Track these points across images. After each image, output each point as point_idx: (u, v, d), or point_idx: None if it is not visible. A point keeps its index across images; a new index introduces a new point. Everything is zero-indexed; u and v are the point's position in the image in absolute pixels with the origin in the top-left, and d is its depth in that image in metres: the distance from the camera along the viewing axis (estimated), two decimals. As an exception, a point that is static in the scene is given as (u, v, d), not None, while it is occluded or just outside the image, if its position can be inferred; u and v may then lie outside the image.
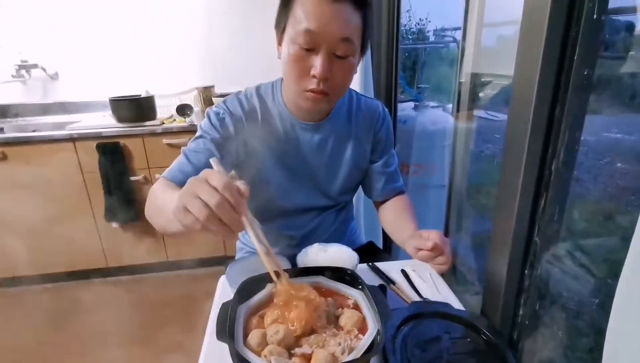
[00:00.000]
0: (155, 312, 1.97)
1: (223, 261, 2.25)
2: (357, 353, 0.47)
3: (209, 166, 0.83)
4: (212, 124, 0.87)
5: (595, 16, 0.54)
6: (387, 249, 1.72)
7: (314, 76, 0.77)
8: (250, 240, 0.53)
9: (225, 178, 0.49)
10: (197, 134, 0.88)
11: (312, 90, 0.78)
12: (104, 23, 2.25)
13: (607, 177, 1.13)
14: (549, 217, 0.68)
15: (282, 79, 0.92)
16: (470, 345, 0.63)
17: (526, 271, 0.74)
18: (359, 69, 1.42)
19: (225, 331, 0.50)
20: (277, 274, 0.56)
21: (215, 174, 0.50)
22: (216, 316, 0.72)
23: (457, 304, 0.76)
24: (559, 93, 0.61)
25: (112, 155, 1.94)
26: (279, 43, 0.83)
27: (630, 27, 0.86)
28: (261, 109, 0.90)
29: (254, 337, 0.51)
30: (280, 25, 0.81)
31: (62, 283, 2.21)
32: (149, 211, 0.77)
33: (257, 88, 0.94)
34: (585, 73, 0.58)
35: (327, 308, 0.55)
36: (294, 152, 0.93)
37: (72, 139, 1.90)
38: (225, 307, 0.55)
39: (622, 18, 0.82)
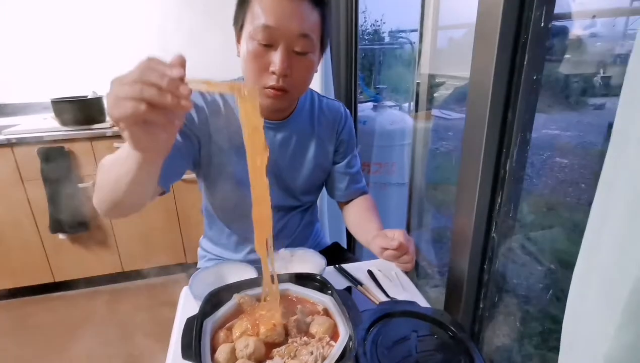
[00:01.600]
0: (111, 327, 1.85)
1: (184, 268, 2.17)
2: (329, 362, 0.47)
3: None
4: None
5: (542, 24, 0.57)
6: (351, 249, 1.74)
7: (273, 73, 0.76)
8: (200, 87, 0.47)
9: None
10: None
11: (271, 87, 0.78)
12: (44, 17, 2.07)
13: (547, 171, 1.22)
14: (505, 213, 0.72)
15: (243, 78, 0.90)
16: (437, 342, 0.65)
17: (485, 266, 0.77)
18: (319, 70, 1.42)
19: (192, 348, 0.48)
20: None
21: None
22: (179, 331, 0.69)
23: (422, 301, 0.78)
24: (510, 97, 0.64)
25: (56, 161, 1.79)
26: (238, 40, 0.82)
27: (566, 31, 0.94)
28: (223, 104, 0.89)
29: (222, 352, 0.49)
30: (238, 22, 0.80)
31: (5, 301, 2.03)
32: (99, 185, 0.65)
33: None
34: (535, 78, 0.61)
35: (298, 316, 0.54)
36: None
37: (9, 144, 1.74)
38: (190, 322, 0.53)
39: (560, 23, 0.88)
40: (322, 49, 0.85)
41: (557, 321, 0.86)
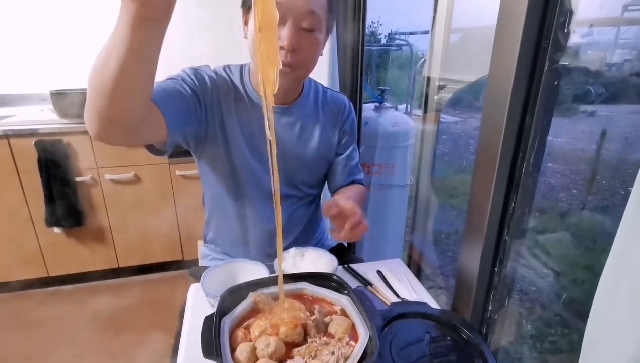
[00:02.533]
0: (107, 322, 1.83)
1: (181, 265, 2.15)
2: (352, 362, 0.46)
3: (178, 89, 0.77)
4: (186, 73, 0.84)
5: (566, 30, 0.58)
6: (353, 250, 1.74)
7: (281, 48, 0.77)
8: None
9: None
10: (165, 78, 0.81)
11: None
12: (43, 7, 2.03)
13: (539, 176, 1.23)
14: (519, 216, 0.72)
15: (250, 63, 0.92)
16: (451, 344, 0.65)
17: (496, 268, 0.78)
18: (325, 68, 1.42)
19: (213, 347, 0.47)
20: None
21: None
22: (191, 328, 0.68)
23: (432, 302, 0.78)
24: (529, 101, 0.64)
25: (54, 154, 1.76)
26: (245, 22, 0.84)
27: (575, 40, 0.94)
28: (231, 82, 0.90)
29: (242, 351, 0.49)
30: (247, 3, 0.81)
31: (-3, 295, 1.99)
32: (89, 78, 0.55)
33: (227, 66, 0.93)
34: (556, 83, 0.62)
35: (316, 316, 0.54)
36: (260, 131, 0.91)
37: (6, 136, 1.70)
38: (209, 320, 0.52)
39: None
40: (327, 31, 0.86)
41: (567, 324, 0.87)
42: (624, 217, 0.39)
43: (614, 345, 0.41)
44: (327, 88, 1.04)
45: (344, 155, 1.04)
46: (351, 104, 1.06)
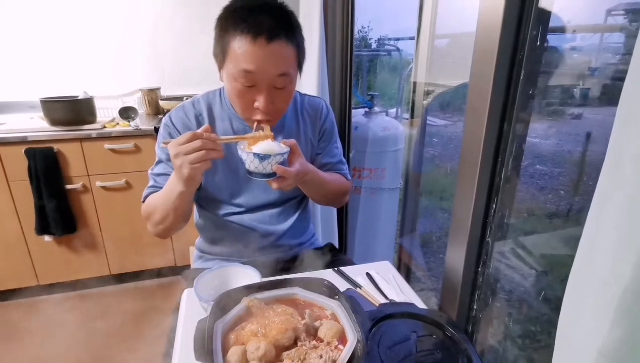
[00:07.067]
0: (99, 330, 1.82)
1: (174, 271, 2.15)
2: (340, 363, 0.49)
3: None
4: (163, 142, 0.93)
5: (538, 42, 0.61)
6: (344, 250, 1.76)
7: (257, 108, 0.83)
8: (230, 140, 0.81)
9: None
10: (156, 159, 0.96)
11: (258, 120, 0.85)
12: (34, 15, 2.03)
13: (528, 178, 1.27)
14: (500, 219, 0.75)
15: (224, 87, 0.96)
16: (436, 342, 0.68)
17: (480, 269, 0.81)
18: (314, 75, 1.45)
19: (205, 350, 0.49)
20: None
21: (174, 145, 0.74)
22: (184, 332, 0.70)
23: (419, 303, 0.81)
24: (507, 109, 0.68)
25: (44, 162, 1.76)
26: (219, 68, 0.87)
27: (559, 46, 0.98)
28: (208, 114, 0.95)
29: (233, 354, 0.51)
30: (218, 57, 0.85)
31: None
32: (155, 216, 0.89)
33: (205, 95, 0.99)
34: (530, 92, 0.65)
35: (306, 320, 0.56)
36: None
37: (-5, 144, 1.70)
38: (201, 324, 0.54)
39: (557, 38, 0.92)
40: (300, 68, 0.89)
41: (546, 321, 0.90)
42: (588, 219, 0.42)
43: (585, 339, 0.44)
44: (304, 94, 1.07)
45: (323, 153, 1.06)
46: (329, 106, 1.09)
